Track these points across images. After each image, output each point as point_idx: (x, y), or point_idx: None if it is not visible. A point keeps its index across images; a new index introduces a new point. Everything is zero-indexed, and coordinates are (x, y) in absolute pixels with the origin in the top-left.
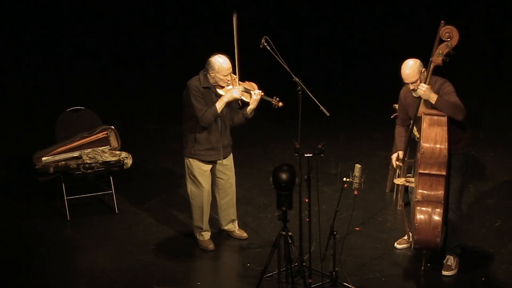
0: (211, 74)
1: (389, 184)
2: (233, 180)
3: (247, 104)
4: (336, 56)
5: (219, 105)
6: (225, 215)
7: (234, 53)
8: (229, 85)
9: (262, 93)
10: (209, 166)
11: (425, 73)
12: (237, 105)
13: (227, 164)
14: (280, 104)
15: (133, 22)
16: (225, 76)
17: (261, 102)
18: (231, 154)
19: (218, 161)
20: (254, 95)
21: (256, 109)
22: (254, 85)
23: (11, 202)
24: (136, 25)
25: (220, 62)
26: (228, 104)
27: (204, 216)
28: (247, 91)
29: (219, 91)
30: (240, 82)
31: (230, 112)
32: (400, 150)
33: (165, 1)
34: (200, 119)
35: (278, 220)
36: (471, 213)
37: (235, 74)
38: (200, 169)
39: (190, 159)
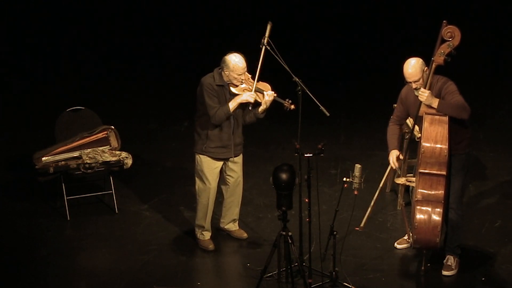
0: (226, 72)
1: (389, 184)
2: (241, 179)
3: (259, 104)
4: (336, 56)
5: (232, 105)
6: (229, 214)
7: (260, 58)
8: (243, 83)
9: (275, 94)
10: (220, 164)
11: (427, 71)
12: (250, 104)
13: (238, 162)
14: (292, 106)
15: (133, 22)
16: (239, 75)
17: (272, 103)
18: (242, 153)
19: (230, 159)
20: (267, 96)
21: (263, 115)
22: (267, 85)
23: (11, 202)
24: (136, 24)
25: (235, 61)
26: (241, 104)
27: (207, 214)
28: (260, 91)
29: (233, 89)
30: (253, 81)
31: (243, 111)
32: (394, 149)
33: (165, 0)
34: (212, 117)
35: (278, 220)
36: (471, 213)
37: (252, 75)
38: (209, 166)
39: (201, 156)
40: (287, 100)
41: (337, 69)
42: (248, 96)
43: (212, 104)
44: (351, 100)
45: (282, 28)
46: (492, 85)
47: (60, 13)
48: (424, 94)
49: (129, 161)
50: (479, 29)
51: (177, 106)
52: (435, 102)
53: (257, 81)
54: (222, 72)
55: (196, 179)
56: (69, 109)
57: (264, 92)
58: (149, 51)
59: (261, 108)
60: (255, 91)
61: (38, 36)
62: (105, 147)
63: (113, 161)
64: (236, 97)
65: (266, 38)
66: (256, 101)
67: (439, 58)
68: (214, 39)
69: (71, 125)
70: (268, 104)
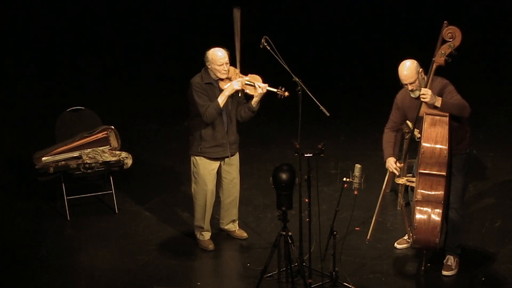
0: (209, 67)
1: (389, 184)
2: (237, 181)
3: (252, 97)
4: (336, 56)
5: (221, 100)
6: (227, 215)
7: (235, 48)
8: (231, 76)
9: (267, 85)
10: (217, 164)
11: (423, 73)
12: (242, 100)
13: (233, 164)
14: (286, 93)
15: (133, 22)
16: (221, 65)
17: (266, 96)
18: (238, 153)
19: (226, 160)
20: (259, 89)
21: (257, 107)
22: (257, 77)
23: (11, 202)
24: (136, 24)
25: (214, 51)
26: (233, 98)
27: (206, 215)
28: (251, 83)
29: (222, 86)
30: (242, 75)
31: (235, 107)
32: (390, 157)
33: (166, 0)
34: (203, 115)
35: (278, 220)
36: (471, 213)
37: (236, 68)
38: (206, 167)
39: (197, 157)
40: (280, 87)
41: (337, 69)
42: (235, 85)
43: (202, 103)
44: (351, 100)
45: (282, 28)
46: (492, 85)
47: (60, 13)
48: (427, 95)
49: (129, 161)
50: (480, 29)
51: (177, 106)
52: (438, 101)
53: (245, 74)
54: (208, 69)
55: (192, 181)
56: (69, 109)
57: (256, 84)
58: (149, 50)
59: (253, 101)
60: (246, 84)
61: (38, 36)
62: (105, 147)
63: (113, 161)
64: (224, 91)
65: (265, 38)
66: (247, 94)
67: (439, 58)
68: (215, 39)
69: (71, 125)
70: (260, 96)
